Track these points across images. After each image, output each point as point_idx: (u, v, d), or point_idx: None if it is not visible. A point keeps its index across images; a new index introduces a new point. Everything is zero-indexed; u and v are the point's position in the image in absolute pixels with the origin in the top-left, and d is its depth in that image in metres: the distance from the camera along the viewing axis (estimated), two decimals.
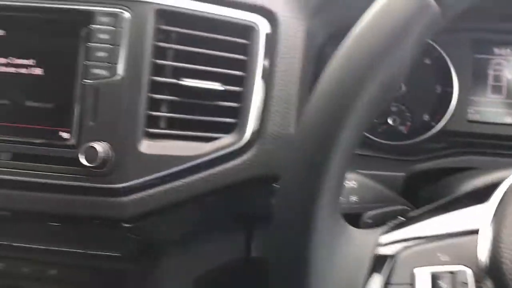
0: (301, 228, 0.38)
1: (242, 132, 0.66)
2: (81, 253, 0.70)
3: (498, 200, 0.43)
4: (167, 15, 0.67)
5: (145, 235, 0.69)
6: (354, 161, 0.77)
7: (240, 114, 0.67)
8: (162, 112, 0.68)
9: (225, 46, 0.68)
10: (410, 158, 0.79)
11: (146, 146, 0.65)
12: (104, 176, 0.63)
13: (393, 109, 0.84)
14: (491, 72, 0.84)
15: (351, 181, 0.53)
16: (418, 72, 0.84)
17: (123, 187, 0.63)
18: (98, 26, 0.64)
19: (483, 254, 0.39)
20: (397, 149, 0.83)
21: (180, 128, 0.68)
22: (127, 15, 0.65)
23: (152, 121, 0.67)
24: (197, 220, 0.73)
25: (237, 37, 0.68)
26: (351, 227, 0.41)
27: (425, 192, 0.71)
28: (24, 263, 0.75)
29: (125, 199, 0.64)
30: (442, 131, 0.83)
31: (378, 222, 0.49)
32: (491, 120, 0.83)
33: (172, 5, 0.66)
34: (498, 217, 0.41)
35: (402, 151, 0.82)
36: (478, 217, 0.42)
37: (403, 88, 0.83)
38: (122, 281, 0.76)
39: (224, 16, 0.68)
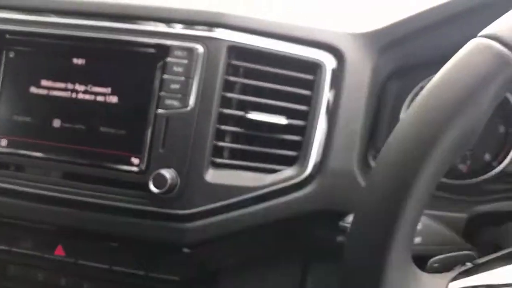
0: (372, 271, 0.39)
1: (304, 165, 0.68)
2: (141, 275, 0.73)
3: None
4: (237, 51, 0.70)
5: (203, 261, 0.71)
6: None
7: (302, 147, 0.69)
8: (227, 142, 0.70)
9: (291, 81, 0.70)
10: (472, 198, 0.78)
11: (211, 175, 0.67)
12: (170, 202, 0.66)
13: None
14: None
15: None
16: None
17: (188, 214, 0.66)
18: (174, 59, 0.68)
19: None
20: (458, 189, 0.82)
21: (242, 158, 0.70)
22: (201, 50, 0.68)
23: (217, 151, 0.69)
24: (255, 249, 0.75)
25: (303, 73, 0.70)
26: (420, 272, 0.42)
27: (487, 235, 0.69)
28: (84, 281, 0.79)
29: (188, 225, 0.66)
30: (504, 172, 0.82)
31: (445, 267, 0.49)
32: None
33: (244, 42, 0.69)
34: None
35: (463, 191, 0.81)
36: None
37: None
38: None
39: (292, 53, 0.70)
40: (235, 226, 0.67)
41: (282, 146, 0.70)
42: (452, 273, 0.44)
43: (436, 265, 0.50)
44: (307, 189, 0.68)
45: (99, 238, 0.73)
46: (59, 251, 0.75)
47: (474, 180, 0.82)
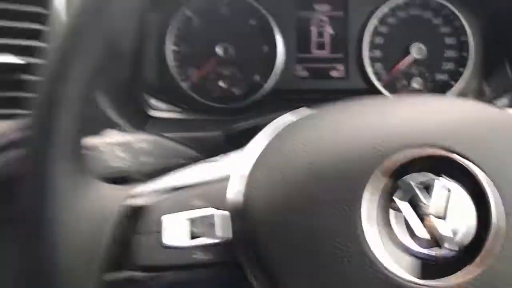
0: (34, 188, 0.37)
1: None
2: None
3: (260, 144, 0.44)
4: None
5: None
6: (179, 126, 0.77)
7: None
8: None
9: (22, 16, 0.64)
10: (236, 116, 0.80)
11: None
12: None
13: (225, 72, 0.85)
14: (314, 29, 0.86)
15: (140, 142, 0.52)
16: (244, 33, 0.85)
17: None
18: None
19: (231, 194, 0.40)
20: (232, 112, 0.84)
21: None
22: None
23: None
24: None
25: (34, 4, 0.65)
26: (101, 183, 0.41)
27: None
28: None
29: None
30: (273, 90, 0.85)
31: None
32: (317, 76, 0.86)
33: None
34: (250, 159, 0.42)
35: (236, 113, 0.83)
36: (238, 162, 0.43)
37: (231, 50, 0.84)
38: None
39: None
40: None
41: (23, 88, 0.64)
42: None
43: (139, 177, 0.50)
44: None
45: None
46: None
47: (246, 101, 0.85)
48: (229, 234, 0.39)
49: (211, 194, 0.41)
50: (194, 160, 0.57)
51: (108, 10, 0.37)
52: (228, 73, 0.85)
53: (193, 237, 0.39)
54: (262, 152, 0.42)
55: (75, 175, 0.38)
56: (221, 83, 0.84)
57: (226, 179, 0.42)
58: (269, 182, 0.39)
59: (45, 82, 0.37)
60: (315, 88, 0.86)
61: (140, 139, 0.53)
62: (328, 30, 0.86)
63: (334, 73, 0.87)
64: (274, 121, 0.47)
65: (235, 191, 0.40)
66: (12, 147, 0.62)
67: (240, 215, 0.38)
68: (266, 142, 0.43)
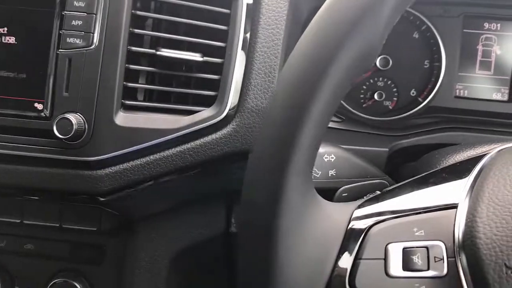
0: (269, 199, 0.37)
1: (222, 105, 0.64)
2: (57, 227, 0.69)
3: (475, 175, 0.42)
4: None
5: (122, 210, 0.68)
6: (338, 136, 0.76)
7: (220, 86, 0.65)
8: (140, 83, 0.66)
9: (206, 16, 0.66)
10: (395, 133, 0.78)
11: (123, 119, 0.63)
12: (78, 148, 0.62)
13: (380, 84, 0.83)
14: (479, 48, 0.82)
15: (330, 155, 0.52)
16: (406, 47, 0.82)
17: (98, 160, 0.62)
18: None
19: (458, 229, 0.38)
20: (382, 125, 0.81)
21: (159, 100, 0.66)
22: None
23: (130, 93, 0.65)
24: (176, 194, 0.72)
25: (218, 6, 0.66)
26: (324, 200, 0.40)
27: (407, 168, 0.69)
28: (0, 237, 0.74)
29: (100, 172, 0.62)
30: (429, 107, 0.82)
31: (354, 196, 0.48)
32: (478, 96, 0.82)
33: None
34: (475, 192, 0.40)
35: (387, 126, 0.81)
36: (457, 192, 0.41)
37: (390, 62, 0.81)
38: (99, 255, 0.75)
39: None
40: (151, 171, 0.63)
41: (200, 85, 0.66)
42: (360, 201, 0.42)
43: (345, 194, 0.49)
44: (226, 130, 0.65)
45: (9, 191, 0.68)
46: None
47: (400, 115, 0.82)
48: (457, 270, 0.37)
49: (436, 224, 0.39)
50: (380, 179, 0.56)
51: (368, 21, 0.36)
52: (383, 85, 0.83)
53: (416, 268, 0.38)
54: (488, 184, 0.39)
55: (306, 191, 0.38)
56: (375, 95, 0.82)
57: (450, 209, 0.40)
58: (501, 220, 0.36)
59: (293, 91, 0.37)
60: (473, 109, 0.82)
61: (329, 152, 0.52)
62: (495, 50, 0.81)
63: (496, 95, 0.82)
64: (494, 150, 0.45)
65: (462, 226, 0.38)
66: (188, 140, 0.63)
67: (471, 252, 0.36)
68: (492, 174, 0.41)
